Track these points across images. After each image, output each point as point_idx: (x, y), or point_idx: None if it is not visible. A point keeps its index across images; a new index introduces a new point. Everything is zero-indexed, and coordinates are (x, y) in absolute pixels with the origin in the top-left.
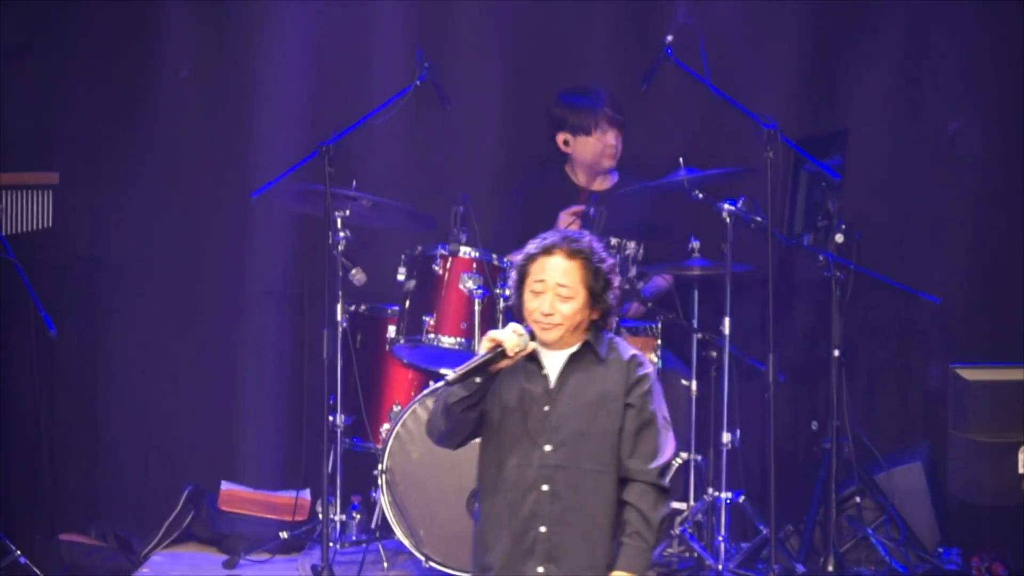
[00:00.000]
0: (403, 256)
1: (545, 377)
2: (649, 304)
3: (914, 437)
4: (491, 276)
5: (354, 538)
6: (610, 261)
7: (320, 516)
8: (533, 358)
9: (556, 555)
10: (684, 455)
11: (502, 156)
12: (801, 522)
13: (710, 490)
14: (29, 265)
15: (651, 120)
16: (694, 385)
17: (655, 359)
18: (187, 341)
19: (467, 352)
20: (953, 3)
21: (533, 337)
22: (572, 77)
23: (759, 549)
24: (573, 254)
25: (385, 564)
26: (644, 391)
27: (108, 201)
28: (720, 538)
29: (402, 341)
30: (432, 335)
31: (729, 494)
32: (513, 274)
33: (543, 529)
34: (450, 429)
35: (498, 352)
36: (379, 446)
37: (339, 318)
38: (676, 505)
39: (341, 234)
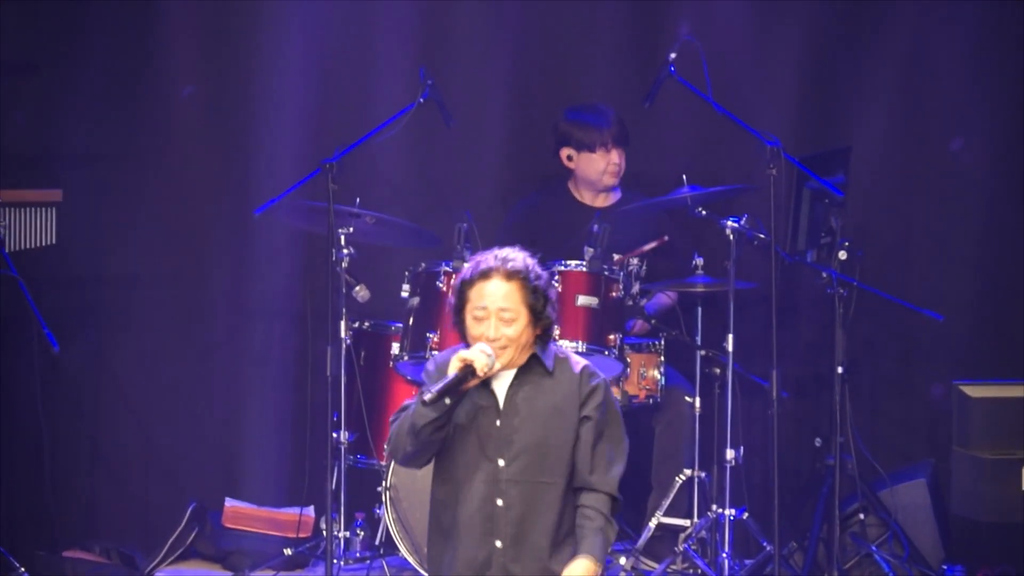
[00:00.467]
0: (407, 273)
1: (493, 393)
2: (652, 321)
3: (918, 454)
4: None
5: (358, 555)
6: (545, 276)
7: (324, 533)
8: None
9: (512, 569)
10: (688, 472)
11: (505, 173)
12: (805, 539)
13: (714, 507)
14: (32, 282)
15: (654, 137)
16: (697, 402)
17: (658, 376)
18: (190, 358)
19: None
20: (955, 21)
21: None
22: (575, 95)
23: (763, 566)
24: (510, 276)
25: None
26: (598, 403)
27: (111, 218)
28: (724, 555)
29: (406, 358)
30: (436, 352)
31: (733, 511)
32: (451, 298)
33: (499, 544)
34: (417, 450)
35: (468, 371)
36: (383, 463)
37: (343, 335)
38: (680, 522)
39: (345, 251)
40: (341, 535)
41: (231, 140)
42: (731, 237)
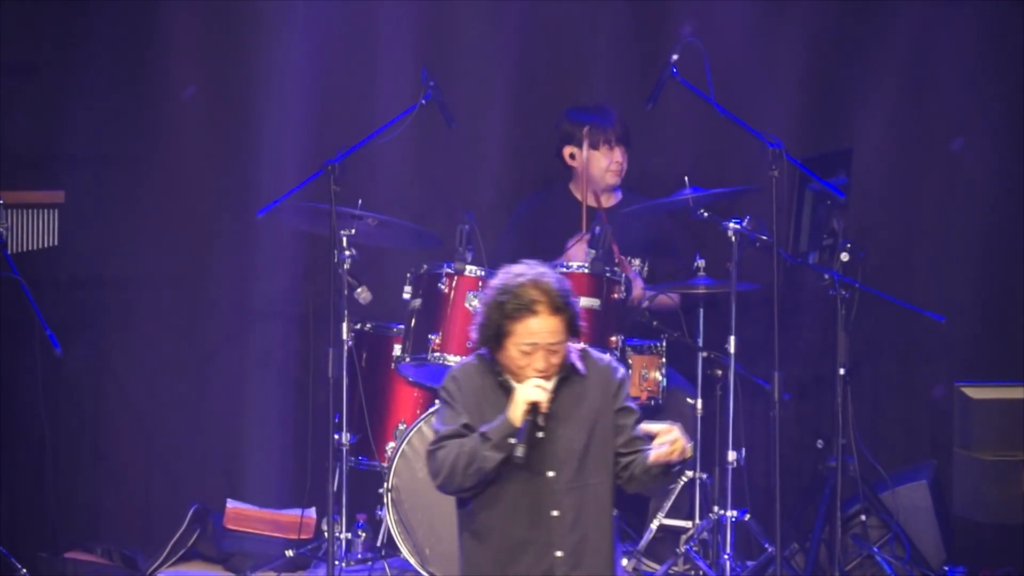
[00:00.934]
0: (408, 275)
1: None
2: (654, 322)
3: (919, 455)
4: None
5: (360, 556)
6: (571, 288)
7: (326, 534)
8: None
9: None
10: (689, 473)
11: (507, 175)
12: (806, 540)
13: (715, 508)
14: (35, 283)
15: (656, 139)
16: (699, 403)
17: (660, 377)
18: (193, 359)
19: None
20: (957, 22)
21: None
22: (577, 96)
23: (765, 567)
24: (556, 310)
25: None
26: (626, 392)
27: (114, 220)
28: (725, 556)
29: (408, 359)
30: (438, 353)
31: (734, 512)
32: (484, 319)
33: (559, 554)
34: (475, 485)
35: (536, 412)
36: (385, 464)
37: (345, 337)
38: (681, 523)
39: (347, 253)
40: (343, 536)
41: (234, 141)
42: (733, 239)
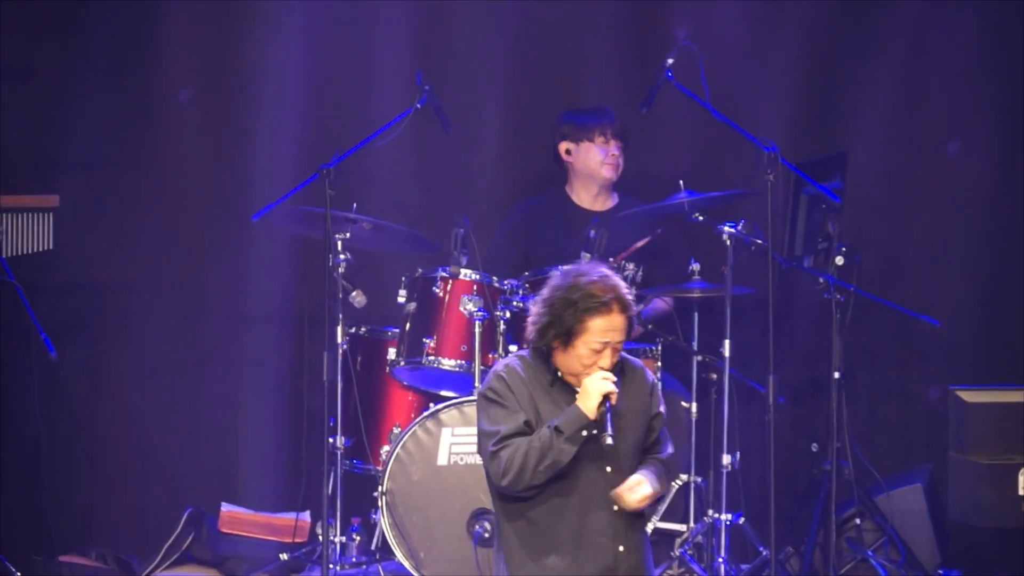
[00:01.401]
0: (403, 278)
1: None
2: (649, 326)
3: (914, 459)
4: (492, 298)
5: (354, 560)
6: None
7: (320, 538)
8: (572, 391)
9: (636, 569)
10: (684, 477)
11: (502, 179)
12: (801, 544)
13: (710, 512)
14: (30, 287)
15: (652, 143)
16: (694, 407)
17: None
18: (187, 363)
19: (467, 374)
20: (952, 24)
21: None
22: (572, 100)
23: (759, 571)
24: (624, 309)
25: None
26: (660, 397)
27: (109, 223)
28: (720, 560)
29: (402, 363)
30: (432, 357)
31: (729, 516)
32: (552, 318)
33: (622, 548)
34: (545, 482)
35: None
36: (379, 468)
37: (339, 340)
38: (676, 527)
39: (341, 256)
40: (337, 540)
41: (229, 146)
42: (728, 242)
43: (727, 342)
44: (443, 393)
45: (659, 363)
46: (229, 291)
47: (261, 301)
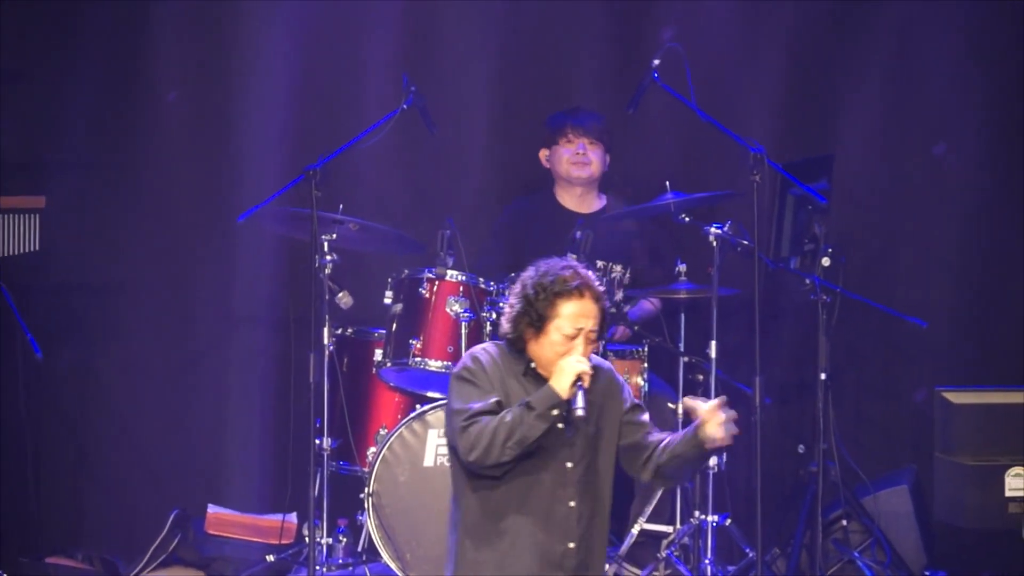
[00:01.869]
0: (390, 279)
1: None
2: (635, 327)
3: (901, 460)
4: (478, 299)
5: (340, 561)
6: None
7: (307, 539)
8: (544, 381)
9: (583, 568)
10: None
11: (489, 180)
12: (788, 545)
13: (697, 513)
14: (15, 288)
15: (638, 144)
16: (680, 408)
17: (641, 382)
18: (174, 364)
19: None
20: (939, 26)
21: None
22: (559, 101)
23: (746, 572)
24: (598, 299)
25: None
26: (629, 392)
27: (95, 224)
28: (707, 561)
29: (389, 364)
30: (419, 358)
31: (716, 517)
32: (524, 305)
33: (571, 545)
34: (511, 460)
35: (582, 384)
36: (366, 469)
37: (326, 341)
38: (662, 528)
39: (328, 258)
40: (323, 541)
41: (215, 147)
42: (714, 243)
43: (713, 343)
44: (429, 394)
45: (645, 364)
46: (215, 292)
47: (247, 302)
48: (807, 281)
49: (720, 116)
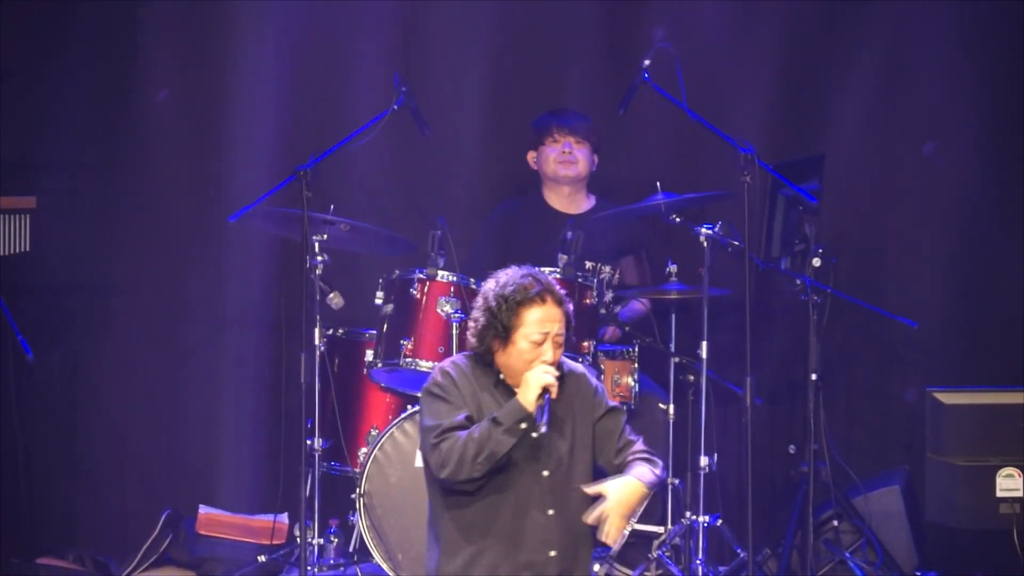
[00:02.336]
0: (380, 280)
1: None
2: (626, 328)
3: (892, 461)
4: (469, 300)
5: (332, 562)
6: (569, 305)
7: (298, 540)
8: (514, 393)
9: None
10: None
11: (480, 181)
12: (779, 546)
13: (688, 514)
14: (6, 289)
15: (628, 144)
16: (671, 409)
17: (632, 383)
18: (165, 365)
19: None
20: (930, 25)
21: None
22: (550, 102)
23: (737, 573)
24: (560, 302)
25: None
26: (605, 395)
27: (86, 225)
28: (698, 562)
29: (380, 365)
30: (410, 359)
31: (707, 518)
32: (489, 317)
33: (553, 553)
34: (482, 475)
35: (547, 395)
36: (357, 470)
37: (317, 342)
38: (654, 529)
39: (319, 258)
40: (315, 542)
41: (206, 147)
42: (705, 244)
43: (704, 344)
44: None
45: (636, 365)
46: (206, 293)
47: (238, 303)
48: (798, 281)
49: (711, 116)
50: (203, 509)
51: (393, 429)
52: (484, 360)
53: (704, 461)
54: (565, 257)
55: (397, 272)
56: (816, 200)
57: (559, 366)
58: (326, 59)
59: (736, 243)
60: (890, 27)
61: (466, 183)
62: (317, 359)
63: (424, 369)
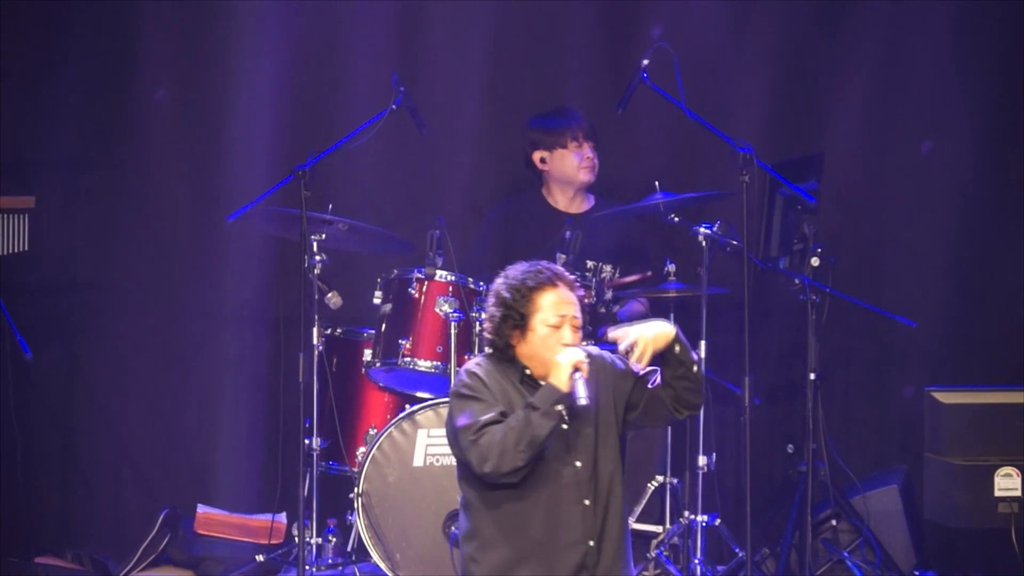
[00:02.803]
0: (379, 280)
1: None
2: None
3: (890, 460)
4: (467, 300)
5: (330, 561)
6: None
7: (296, 539)
8: (539, 387)
9: (604, 565)
10: (660, 478)
11: (478, 180)
12: (777, 545)
13: (686, 513)
14: (4, 288)
15: (627, 144)
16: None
17: None
18: (163, 364)
19: (443, 376)
20: (927, 24)
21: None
22: (548, 101)
23: (735, 572)
24: (572, 287)
25: None
26: (620, 364)
27: (84, 224)
28: (696, 561)
29: (378, 364)
30: (408, 358)
31: (705, 517)
32: (504, 310)
33: (592, 543)
34: (528, 462)
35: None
36: (355, 469)
37: (315, 341)
38: (652, 528)
39: (317, 258)
40: (313, 541)
41: (204, 146)
42: (703, 243)
43: (703, 343)
44: (419, 394)
45: None
46: (205, 292)
47: (237, 302)
48: (796, 281)
49: (709, 116)
50: (201, 508)
51: (391, 428)
52: (505, 356)
53: (703, 460)
54: (563, 256)
55: (395, 271)
56: (815, 200)
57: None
58: (325, 58)
59: (734, 242)
60: (887, 26)
61: (464, 182)
62: (315, 359)
63: (423, 369)
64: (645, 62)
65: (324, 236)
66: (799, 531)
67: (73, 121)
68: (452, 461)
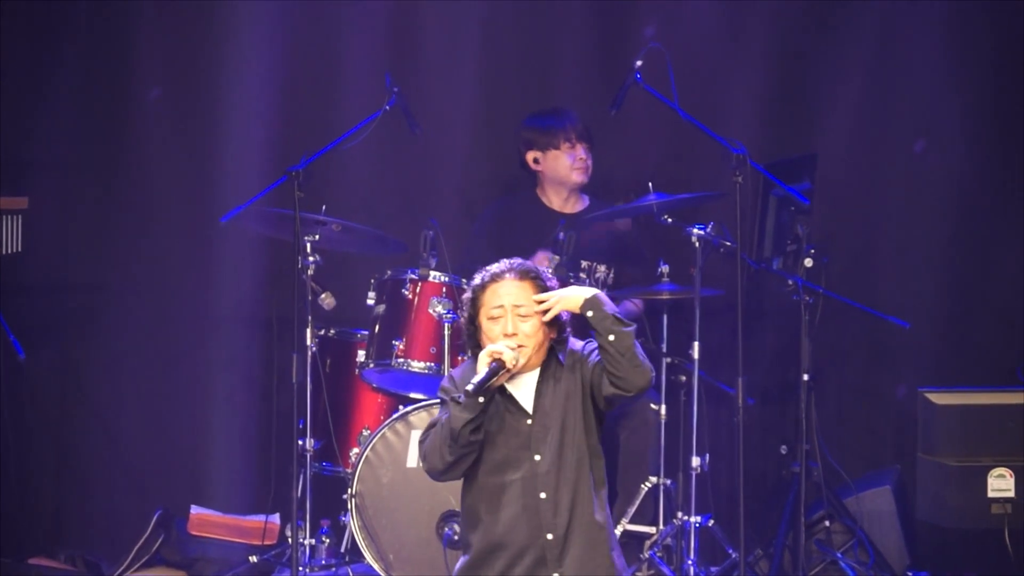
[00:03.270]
0: (372, 280)
1: (513, 397)
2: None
3: (883, 461)
4: (461, 300)
5: (323, 562)
6: (554, 281)
7: (290, 540)
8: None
9: (568, 556)
10: (653, 479)
11: (472, 181)
12: (770, 546)
13: (679, 514)
14: None
15: (620, 145)
16: (663, 409)
17: None
18: (157, 365)
19: (436, 376)
20: (920, 23)
21: None
22: (542, 102)
23: (729, 573)
24: (523, 275)
25: None
26: (587, 353)
27: (78, 225)
28: (689, 562)
29: (372, 365)
30: (402, 359)
31: (698, 518)
32: (464, 312)
33: (550, 536)
34: (457, 457)
35: (499, 366)
36: (349, 470)
37: (308, 342)
38: (645, 529)
39: (311, 258)
40: (306, 542)
41: (197, 147)
42: (697, 244)
43: (696, 344)
44: (412, 395)
45: None
46: (198, 293)
47: (230, 303)
48: (790, 282)
49: (702, 116)
50: (195, 509)
51: (385, 429)
52: (475, 357)
53: (696, 461)
54: (557, 258)
55: (389, 272)
56: (808, 200)
57: (553, 356)
58: (318, 59)
59: (728, 243)
60: (881, 26)
61: (458, 183)
62: (309, 359)
63: (416, 369)
64: (638, 63)
65: (317, 237)
66: (792, 532)
67: (67, 122)
68: None
